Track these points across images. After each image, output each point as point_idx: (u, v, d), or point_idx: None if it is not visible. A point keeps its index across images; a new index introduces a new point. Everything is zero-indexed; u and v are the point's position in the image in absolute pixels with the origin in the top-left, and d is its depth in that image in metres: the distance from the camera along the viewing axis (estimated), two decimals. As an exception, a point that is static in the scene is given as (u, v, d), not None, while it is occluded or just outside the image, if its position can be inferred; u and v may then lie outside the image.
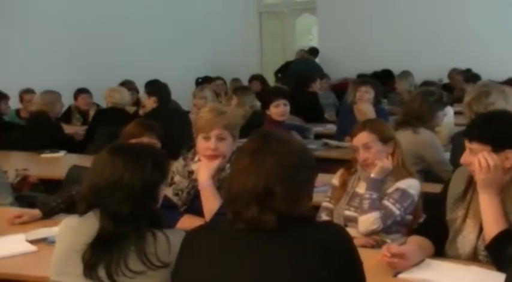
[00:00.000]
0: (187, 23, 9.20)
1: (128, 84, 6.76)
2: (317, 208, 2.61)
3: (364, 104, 4.82)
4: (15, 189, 3.45)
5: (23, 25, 7.14)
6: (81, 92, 6.76)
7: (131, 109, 6.36)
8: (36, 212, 2.79)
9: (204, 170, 2.44)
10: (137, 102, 6.70)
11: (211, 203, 2.37)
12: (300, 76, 7.16)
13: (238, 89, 5.70)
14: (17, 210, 2.85)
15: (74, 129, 6.12)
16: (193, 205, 2.49)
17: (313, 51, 9.43)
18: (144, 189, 1.74)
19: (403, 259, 1.94)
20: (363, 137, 2.55)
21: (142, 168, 1.74)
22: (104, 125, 5.02)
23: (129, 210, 1.71)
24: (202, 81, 7.79)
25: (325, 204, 2.65)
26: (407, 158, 2.63)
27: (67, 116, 6.64)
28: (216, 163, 2.44)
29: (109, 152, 1.78)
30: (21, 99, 6.41)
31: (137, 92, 6.85)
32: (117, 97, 5.58)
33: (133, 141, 2.64)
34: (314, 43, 10.12)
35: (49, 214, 2.79)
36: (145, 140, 2.68)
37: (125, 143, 1.92)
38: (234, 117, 2.55)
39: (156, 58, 8.55)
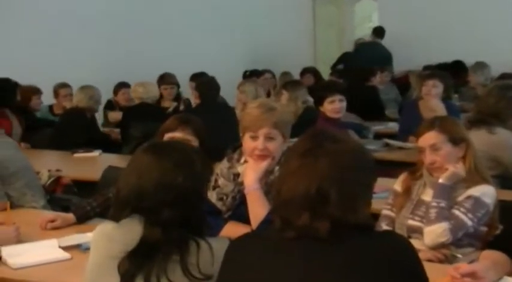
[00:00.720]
0: (231, 10, 9.25)
1: (167, 78, 6.82)
2: (376, 216, 2.58)
3: (432, 100, 4.75)
4: (48, 191, 3.54)
5: (55, 17, 7.31)
6: (122, 86, 6.79)
7: (170, 105, 6.46)
8: (69, 216, 2.88)
9: (250, 173, 2.45)
10: (178, 97, 6.79)
11: (258, 208, 2.39)
12: (359, 68, 7.11)
13: (289, 83, 5.70)
14: (49, 214, 2.94)
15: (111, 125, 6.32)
16: (239, 211, 2.52)
17: (379, 32, 8.88)
18: (196, 191, 1.78)
19: (476, 279, 1.90)
20: (430, 137, 2.51)
21: (193, 167, 1.77)
22: (135, 122, 5.14)
23: (179, 215, 1.73)
24: (251, 75, 7.84)
25: (385, 212, 2.63)
26: (481, 161, 2.58)
27: (111, 107, 6.82)
28: (264, 165, 2.45)
29: (153, 152, 1.79)
30: (56, 94, 6.55)
31: (178, 86, 6.91)
32: (141, 91, 5.69)
33: (168, 135, 2.68)
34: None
35: (83, 219, 2.87)
36: (179, 134, 2.67)
37: (166, 142, 1.97)
38: (284, 114, 2.56)
39: (198, 49, 8.65)
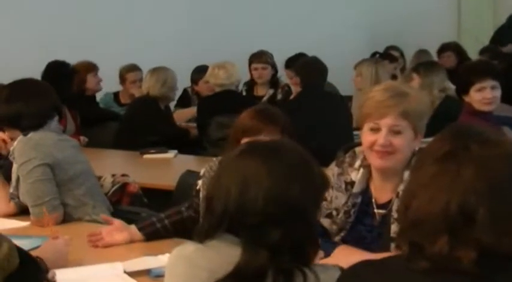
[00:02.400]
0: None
1: (260, 56, 6.78)
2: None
3: None
4: (111, 201, 3.64)
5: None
6: (203, 71, 6.49)
7: (265, 92, 6.48)
8: (137, 232, 2.99)
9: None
10: (275, 84, 6.79)
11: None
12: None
13: (422, 65, 5.64)
14: (116, 221, 3.06)
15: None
16: (355, 231, 2.52)
17: None
18: (313, 207, 1.81)
19: None
20: None
21: (311, 176, 1.81)
22: (213, 115, 5.20)
23: (291, 237, 1.74)
24: (381, 55, 7.70)
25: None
26: None
27: (183, 103, 6.88)
28: (391, 162, 2.45)
29: (260, 155, 1.81)
30: (123, 80, 6.68)
31: (274, 68, 6.84)
32: (222, 76, 5.69)
33: (249, 140, 2.52)
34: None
35: (152, 237, 2.96)
36: (265, 138, 2.56)
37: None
38: (419, 102, 2.53)
39: (300, 24, 8.71)
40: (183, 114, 6.55)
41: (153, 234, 2.98)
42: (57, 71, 5.56)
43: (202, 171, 2.98)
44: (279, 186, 1.75)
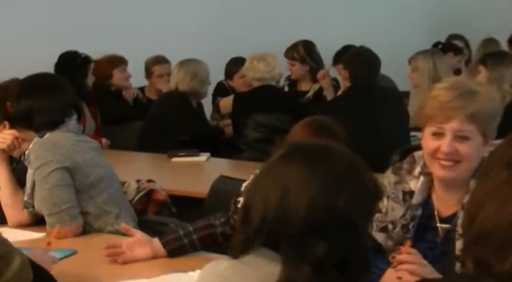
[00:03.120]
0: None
1: (289, 52, 6.72)
2: None
3: None
4: (136, 210, 3.63)
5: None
6: (239, 64, 6.44)
7: (310, 87, 6.44)
8: (160, 247, 2.97)
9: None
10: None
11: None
12: None
13: (490, 56, 5.59)
14: (137, 233, 3.04)
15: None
16: (414, 248, 2.47)
17: None
18: (362, 219, 1.80)
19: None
20: None
21: (361, 184, 1.80)
22: (251, 113, 5.17)
23: (337, 252, 1.74)
24: (443, 47, 7.49)
25: None
26: None
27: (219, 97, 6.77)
28: (456, 172, 2.43)
29: (302, 160, 1.80)
30: (149, 73, 6.65)
31: (315, 63, 6.77)
32: (262, 69, 5.65)
33: None
34: None
35: (177, 254, 2.96)
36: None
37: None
38: (489, 101, 2.49)
39: (346, 9, 8.69)
40: (230, 102, 6.28)
41: (179, 251, 2.97)
42: (69, 62, 5.60)
43: (244, 186, 2.95)
44: (324, 194, 1.74)
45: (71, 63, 5.61)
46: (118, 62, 6.22)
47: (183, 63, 5.83)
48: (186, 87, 5.73)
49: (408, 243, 2.33)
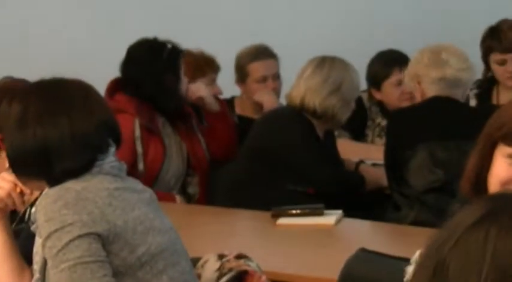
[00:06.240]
0: None
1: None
2: None
3: None
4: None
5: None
6: (394, 63, 5.75)
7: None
8: None
9: None
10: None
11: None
12: None
13: None
14: None
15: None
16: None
17: None
18: None
19: None
20: None
21: None
22: (419, 141, 4.24)
23: None
24: None
25: None
26: None
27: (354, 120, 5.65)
28: None
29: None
30: (243, 75, 5.39)
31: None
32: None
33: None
34: None
35: None
36: None
37: None
38: None
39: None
40: (351, 147, 5.39)
41: None
42: (147, 52, 4.50)
43: (416, 254, 2.60)
44: None
45: (157, 56, 4.52)
46: (209, 63, 5.04)
47: (321, 63, 4.54)
48: (318, 105, 4.45)
49: None
